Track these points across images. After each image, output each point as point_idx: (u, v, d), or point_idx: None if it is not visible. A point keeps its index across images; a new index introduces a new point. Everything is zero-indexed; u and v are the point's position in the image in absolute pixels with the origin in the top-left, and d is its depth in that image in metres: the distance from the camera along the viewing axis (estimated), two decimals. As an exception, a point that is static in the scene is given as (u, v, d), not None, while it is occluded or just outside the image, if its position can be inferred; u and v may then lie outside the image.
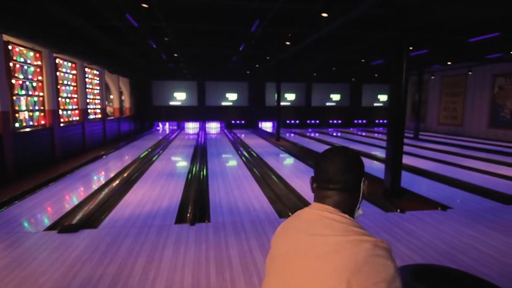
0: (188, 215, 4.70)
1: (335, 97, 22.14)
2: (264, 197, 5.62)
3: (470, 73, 15.81)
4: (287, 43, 8.97)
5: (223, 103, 20.52)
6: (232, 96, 20.60)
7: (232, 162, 9.10)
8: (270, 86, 20.57)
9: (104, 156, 9.86)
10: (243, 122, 21.11)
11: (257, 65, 15.01)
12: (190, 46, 10.93)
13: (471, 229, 4.18)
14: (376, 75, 19.80)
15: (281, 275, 0.86)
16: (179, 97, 19.95)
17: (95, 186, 6.39)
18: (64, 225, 4.21)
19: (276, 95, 14.15)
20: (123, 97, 16.81)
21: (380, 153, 10.43)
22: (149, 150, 11.14)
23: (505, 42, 10.25)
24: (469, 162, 8.74)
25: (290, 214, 4.63)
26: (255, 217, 4.61)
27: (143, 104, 18.82)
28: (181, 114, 20.11)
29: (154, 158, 9.40)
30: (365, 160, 9.24)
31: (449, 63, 14.13)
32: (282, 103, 18.35)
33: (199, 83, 19.82)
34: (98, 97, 12.30)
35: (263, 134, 17.37)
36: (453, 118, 17.70)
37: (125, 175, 7.26)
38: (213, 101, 20.32)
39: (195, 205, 5.13)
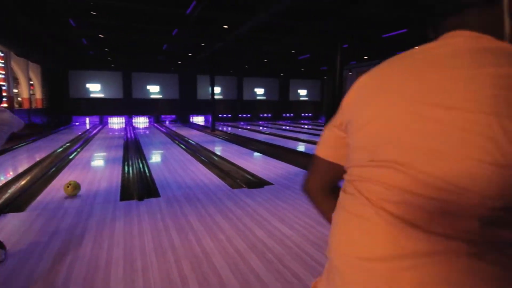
0: (134, 192, 4.35)
1: (263, 91, 22.87)
2: (212, 174, 5.53)
3: (380, 69, 17.95)
4: (225, 26, 8.94)
5: (152, 96, 19.47)
6: (161, 89, 19.68)
7: (171, 149, 8.69)
8: (201, 79, 20.24)
9: (15, 149, 8.46)
10: (173, 116, 20.35)
11: (190, 54, 14.61)
12: (119, 28, 10.11)
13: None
14: (302, 69, 21.03)
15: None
16: (101, 89, 18.26)
17: (11, 175, 5.45)
18: (-21, 210, 3.50)
19: (210, 88, 13.98)
20: (31, 91, 14.64)
21: (311, 139, 11.19)
22: (71, 142, 9.95)
23: (412, 38, 11.87)
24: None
25: (243, 186, 4.66)
26: (208, 190, 4.50)
27: (58, 96, 16.70)
28: (104, 108, 18.44)
29: (78, 150, 8.41)
30: (303, 144, 9.82)
31: (365, 57, 15.78)
32: (215, 97, 18.21)
33: (124, 74, 18.44)
34: (3, 83, 10.50)
35: (196, 127, 17.01)
36: (368, 110, 19.88)
37: (45, 164, 6.36)
38: (140, 94, 19.13)
39: (140, 184, 4.78)
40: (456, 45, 0.52)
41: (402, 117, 0.50)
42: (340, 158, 0.68)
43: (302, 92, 24.07)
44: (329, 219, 0.73)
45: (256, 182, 4.84)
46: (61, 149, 8.48)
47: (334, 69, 5.94)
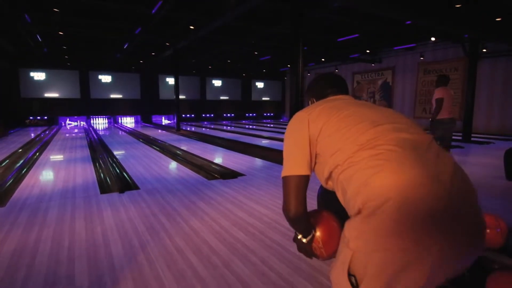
0: (113, 186, 4.49)
1: (226, 91, 23.17)
2: (186, 168, 5.78)
3: (336, 70, 19.12)
4: (191, 27, 9.14)
5: (112, 96, 18.86)
6: (122, 89, 19.13)
7: (139, 148, 8.70)
8: (163, 79, 20.03)
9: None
10: (135, 116, 19.90)
11: (153, 53, 14.48)
12: (80, 26, 9.85)
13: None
14: (264, 70, 21.65)
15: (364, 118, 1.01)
16: (57, 89, 17.33)
17: (-28, 177, 5.25)
18: (-45, 207, 3.47)
19: (173, 88, 13.98)
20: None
21: (274, 135, 11.73)
22: (28, 144, 9.52)
23: (362, 43, 12.93)
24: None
25: (218, 177, 5.00)
26: (186, 182, 4.77)
27: (7, 97, 15.59)
28: (60, 109, 17.52)
29: (37, 154, 8.11)
30: (275, 143, 10.27)
31: (323, 59, 16.75)
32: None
33: (81, 73, 17.67)
34: None
35: (160, 127, 16.86)
36: (326, 109, 21.03)
37: (7, 166, 6.16)
38: (99, 94, 18.45)
39: (117, 179, 4.91)
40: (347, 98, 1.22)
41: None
42: (307, 162, 1.04)
43: (264, 92, 24.73)
44: (308, 228, 1.08)
45: (230, 174, 5.20)
46: (18, 151, 8.13)
47: (297, 70, 6.49)
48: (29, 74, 16.59)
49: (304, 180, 1.04)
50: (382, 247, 0.82)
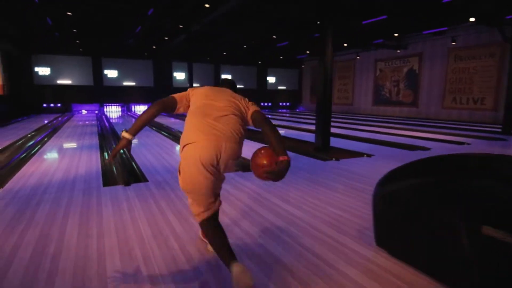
0: (118, 178, 3.96)
1: (240, 79, 22.47)
2: (200, 158, 5.21)
3: (358, 57, 18.10)
4: (206, 5, 8.46)
5: (125, 83, 18.47)
6: (135, 76, 18.70)
7: (151, 136, 8.19)
8: (177, 66, 19.50)
9: (-28, 138, 7.63)
10: (148, 104, 19.50)
11: (166, 38, 13.89)
12: (89, 6, 9.34)
13: (388, 164, 4.69)
14: (281, 57, 20.78)
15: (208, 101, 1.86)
16: (69, 75, 17.04)
17: (-31, 164, 4.83)
18: None
19: (186, 75, 13.40)
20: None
21: (293, 125, 11.04)
22: (39, 130, 9.17)
23: (390, 25, 11.93)
24: (364, 128, 10.02)
25: (237, 169, 4.39)
26: (199, 174, 4.19)
27: (20, 83, 15.38)
28: (73, 96, 17.27)
29: (46, 139, 7.69)
30: (293, 132, 9.63)
31: (345, 44, 15.77)
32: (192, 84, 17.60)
33: (94, 59, 17.30)
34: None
35: (174, 115, 16.39)
36: (345, 99, 20.08)
37: (9, 152, 5.73)
38: (112, 81, 18.08)
39: (123, 169, 4.37)
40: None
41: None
42: (180, 101, 1.91)
43: (280, 81, 23.90)
44: (136, 129, 1.82)
45: (249, 165, 4.58)
46: (27, 136, 7.76)
47: (325, 59, 5.85)
48: (41, 61, 16.33)
49: (174, 101, 1.89)
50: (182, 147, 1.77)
